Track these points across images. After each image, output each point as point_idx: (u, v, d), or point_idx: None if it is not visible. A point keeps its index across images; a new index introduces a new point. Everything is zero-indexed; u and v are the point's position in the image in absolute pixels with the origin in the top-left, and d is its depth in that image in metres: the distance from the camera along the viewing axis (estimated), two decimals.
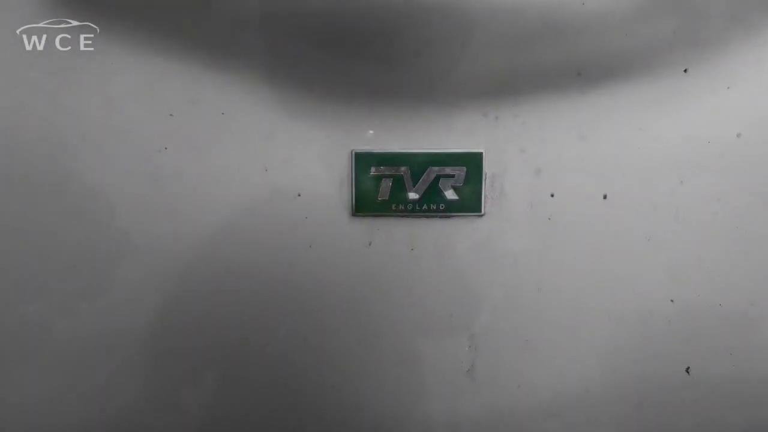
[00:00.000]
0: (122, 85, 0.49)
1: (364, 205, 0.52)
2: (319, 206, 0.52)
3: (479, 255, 0.53)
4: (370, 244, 0.53)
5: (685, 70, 0.51)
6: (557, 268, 0.53)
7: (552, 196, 0.52)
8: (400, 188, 0.52)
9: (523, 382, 0.55)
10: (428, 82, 0.50)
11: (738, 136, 0.51)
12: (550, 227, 0.53)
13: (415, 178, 0.51)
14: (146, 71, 0.49)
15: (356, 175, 0.51)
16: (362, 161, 0.51)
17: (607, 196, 0.52)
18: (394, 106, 0.51)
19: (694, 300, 0.54)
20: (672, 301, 0.54)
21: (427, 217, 0.52)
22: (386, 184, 0.51)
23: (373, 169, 0.51)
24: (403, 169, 0.51)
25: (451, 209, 0.52)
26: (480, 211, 0.52)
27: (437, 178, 0.52)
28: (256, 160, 0.51)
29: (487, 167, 0.52)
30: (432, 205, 0.52)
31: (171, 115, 0.50)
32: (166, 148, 0.50)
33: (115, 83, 0.48)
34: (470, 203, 0.52)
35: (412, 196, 0.52)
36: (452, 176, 0.52)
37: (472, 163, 0.51)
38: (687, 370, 0.54)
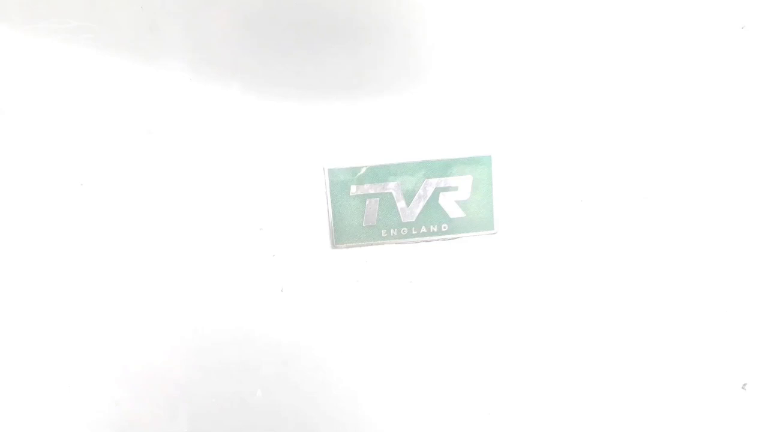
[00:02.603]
0: None
1: (346, 233, 0.44)
2: (288, 240, 0.44)
3: (493, 281, 0.46)
4: (357, 281, 0.45)
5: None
6: (596, 291, 0.46)
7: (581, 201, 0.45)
8: (391, 209, 0.44)
9: None
10: (414, 66, 0.41)
11: None
12: (580, 238, 0.45)
13: (409, 194, 0.43)
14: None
15: (333, 198, 0.43)
16: (339, 179, 0.43)
17: (658, 189, 0.44)
18: (373, 104, 0.42)
19: (754, 304, 0.48)
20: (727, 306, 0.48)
21: (428, 241, 0.45)
22: (372, 206, 0.43)
23: (353, 188, 0.43)
24: (392, 185, 0.43)
25: (455, 229, 0.44)
26: (491, 228, 0.44)
27: (436, 192, 0.44)
28: (198, 189, 0.42)
29: (498, 172, 0.44)
30: (432, 227, 0.44)
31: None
32: (81, 185, 0.41)
33: None
34: (479, 219, 0.44)
35: (407, 217, 0.44)
36: (455, 188, 0.44)
37: (480, 169, 0.43)
38: (744, 386, 0.50)
